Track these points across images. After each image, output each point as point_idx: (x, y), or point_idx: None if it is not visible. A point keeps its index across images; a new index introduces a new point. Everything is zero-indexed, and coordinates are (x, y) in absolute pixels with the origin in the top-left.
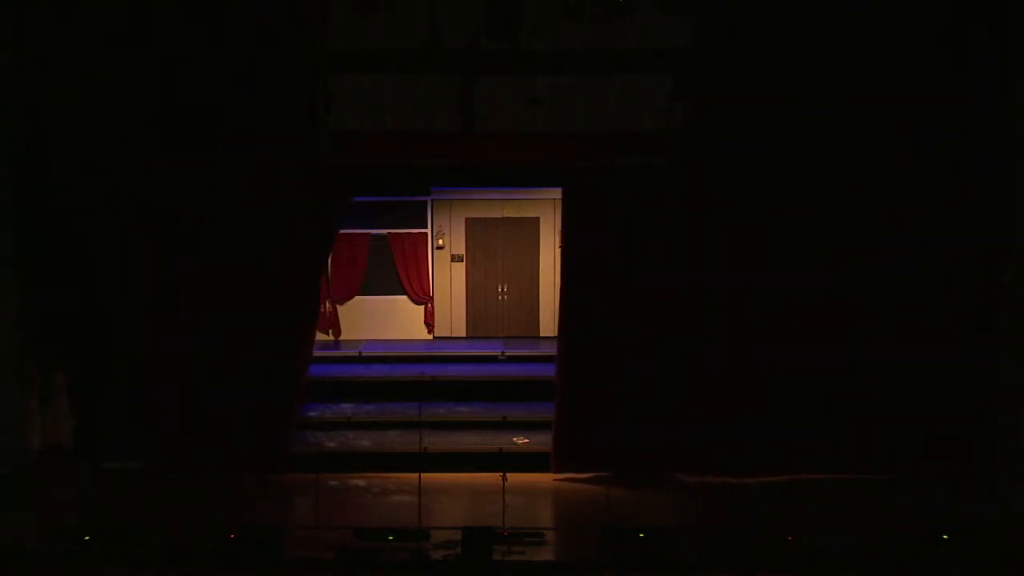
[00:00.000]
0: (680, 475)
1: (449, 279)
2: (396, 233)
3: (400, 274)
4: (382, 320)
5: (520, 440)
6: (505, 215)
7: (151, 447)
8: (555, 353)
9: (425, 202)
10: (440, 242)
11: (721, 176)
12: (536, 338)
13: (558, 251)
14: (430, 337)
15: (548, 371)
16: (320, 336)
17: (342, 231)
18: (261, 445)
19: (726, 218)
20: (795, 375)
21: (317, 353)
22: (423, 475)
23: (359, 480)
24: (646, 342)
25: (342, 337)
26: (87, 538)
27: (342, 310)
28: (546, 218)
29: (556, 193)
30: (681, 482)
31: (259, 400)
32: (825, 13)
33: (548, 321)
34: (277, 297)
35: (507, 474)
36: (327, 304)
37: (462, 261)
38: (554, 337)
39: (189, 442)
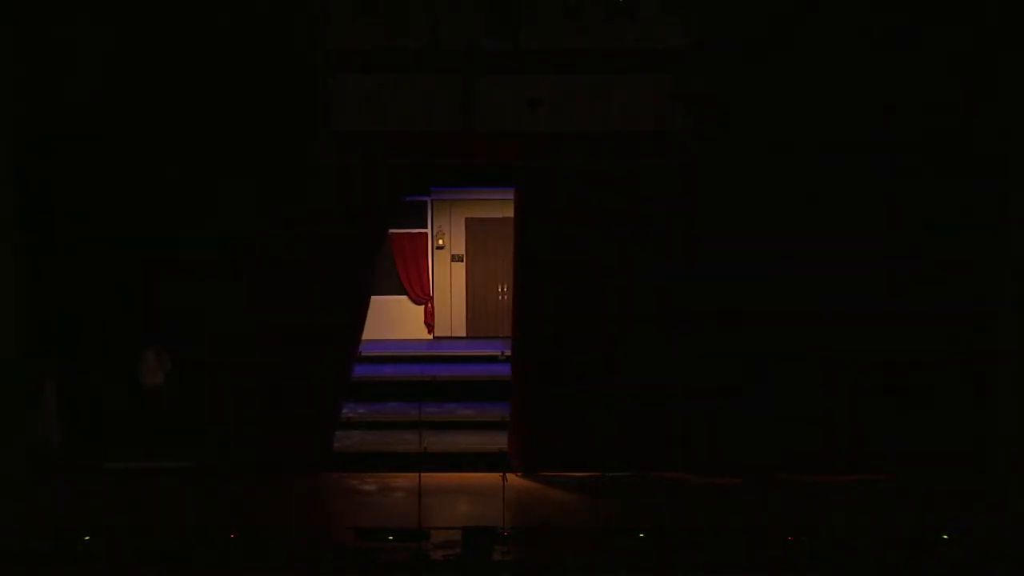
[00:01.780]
0: (654, 474)
1: (449, 279)
2: (396, 233)
3: (400, 274)
4: (382, 320)
5: None
6: (505, 215)
7: (156, 447)
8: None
9: (425, 202)
10: (440, 242)
11: (719, 177)
12: None
13: None
14: (430, 337)
15: None
16: None
17: None
18: (307, 444)
19: (718, 217)
20: (774, 375)
21: None
22: (423, 475)
23: (359, 480)
24: (613, 339)
25: None
26: (87, 538)
27: None
28: None
29: None
30: (652, 481)
31: (308, 400)
32: (827, 13)
33: None
34: (301, 295)
35: (507, 474)
36: None
37: (462, 261)
38: None
39: (212, 442)
